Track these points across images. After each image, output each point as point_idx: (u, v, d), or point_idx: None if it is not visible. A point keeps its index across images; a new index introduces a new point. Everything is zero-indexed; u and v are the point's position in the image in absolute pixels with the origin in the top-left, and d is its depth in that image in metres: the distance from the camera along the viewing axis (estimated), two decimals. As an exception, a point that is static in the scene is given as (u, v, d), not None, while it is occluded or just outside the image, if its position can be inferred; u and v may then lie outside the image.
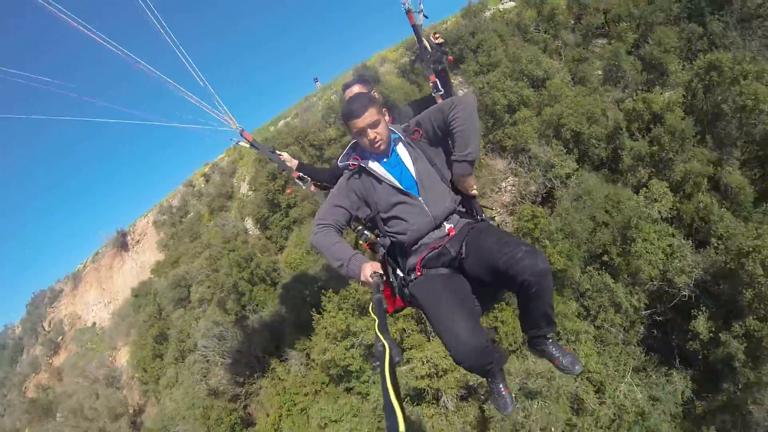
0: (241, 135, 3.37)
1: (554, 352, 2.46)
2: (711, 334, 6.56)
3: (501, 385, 2.53)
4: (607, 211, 7.50)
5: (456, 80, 13.08)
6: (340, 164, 2.75)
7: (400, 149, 2.64)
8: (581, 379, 6.93)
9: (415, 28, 3.19)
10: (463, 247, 2.44)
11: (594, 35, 10.64)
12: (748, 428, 6.47)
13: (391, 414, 1.16)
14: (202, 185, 20.55)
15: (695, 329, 6.63)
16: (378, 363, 1.44)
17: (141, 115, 3.19)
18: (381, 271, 2.37)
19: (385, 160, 2.62)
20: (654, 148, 8.04)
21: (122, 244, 28.40)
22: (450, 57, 3.36)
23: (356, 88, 3.24)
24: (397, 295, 2.70)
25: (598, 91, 9.62)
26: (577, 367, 2.42)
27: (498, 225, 2.67)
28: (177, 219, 20.52)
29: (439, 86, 3.05)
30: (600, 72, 9.92)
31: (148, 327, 15.80)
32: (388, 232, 2.59)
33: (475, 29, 12.89)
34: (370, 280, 2.29)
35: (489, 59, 11.46)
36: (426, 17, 3.18)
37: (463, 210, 2.65)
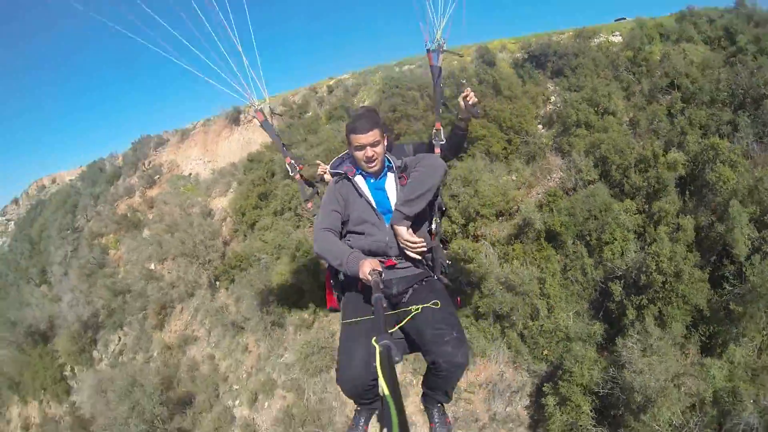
0: (255, 114, 3.73)
1: (435, 418, 2.89)
2: (623, 301, 11.48)
3: (362, 420, 2.87)
4: (600, 211, 12.39)
5: (550, 87, 17.62)
6: (331, 170, 3.27)
7: (390, 179, 3.12)
8: (542, 295, 12.12)
9: (433, 70, 3.43)
10: (406, 296, 2.93)
11: (660, 91, 14.85)
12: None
13: (388, 415, 1.23)
14: (325, 94, 25.21)
15: (615, 295, 11.57)
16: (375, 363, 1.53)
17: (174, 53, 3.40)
18: (380, 269, 2.62)
19: (372, 180, 3.11)
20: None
21: (234, 119, 32.87)
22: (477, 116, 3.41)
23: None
24: (334, 295, 3.27)
25: (641, 134, 14.15)
26: None
27: (447, 286, 3.10)
28: (296, 113, 25.33)
29: (442, 136, 3.34)
30: (648, 121, 14.31)
31: (256, 185, 21.79)
32: (347, 241, 3.04)
33: (579, 51, 17.21)
34: (369, 278, 2.51)
35: (578, 81, 16.05)
36: (460, 56, 4.01)
37: (423, 260, 3.08)
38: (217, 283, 20.53)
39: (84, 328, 24.10)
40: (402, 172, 3.07)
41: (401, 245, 2.94)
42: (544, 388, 10.66)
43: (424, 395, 2.98)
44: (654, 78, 15.24)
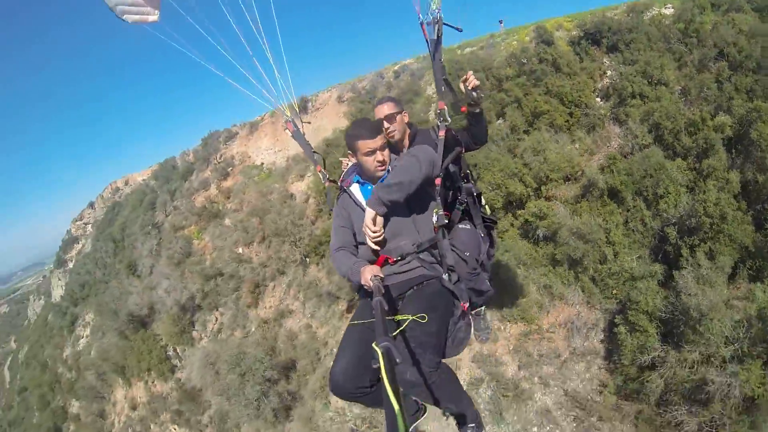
0: (286, 124, 3.90)
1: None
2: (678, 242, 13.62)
3: None
4: (655, 170, 14.56)
5: (606, 62, 19.56)
6: (339, 184, 3.46)
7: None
8: (608, 243, 14.41)
9: (429, 44, 3.16)
10: (401, 303, 2.99)
11: (709, 61, 16.66)
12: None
13: (391, 415, 1.29)
14: (392, 79, 27.53)
15: (671, 238, 13.77)
16: (377, 365, 1.60)
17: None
18: (381, 275, 2.76)
19: (369, 186, 3.19)
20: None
21: (302, 107, 34.76)
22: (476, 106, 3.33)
23: (386, 108, 3.54)
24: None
25: (691, 101, 16.13)
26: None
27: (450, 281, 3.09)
28: (365, 98, 27.74)
29: (447, 116, 3.21)
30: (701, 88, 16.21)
31: (335, 168, 24.49)
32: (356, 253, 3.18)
33: (632, 26, 19.10)
34: (370, 283, 2.66)
35: (632, 56, 18.06)
36: (459, 30, 3.13)
37: (425, 258, 3.11)
38: (308, 259, 23.44)
39: (182, 311, 27.39)
40: None
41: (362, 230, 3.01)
42: (615, 320, 13.07)
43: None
44: (704, 48, 17.07)
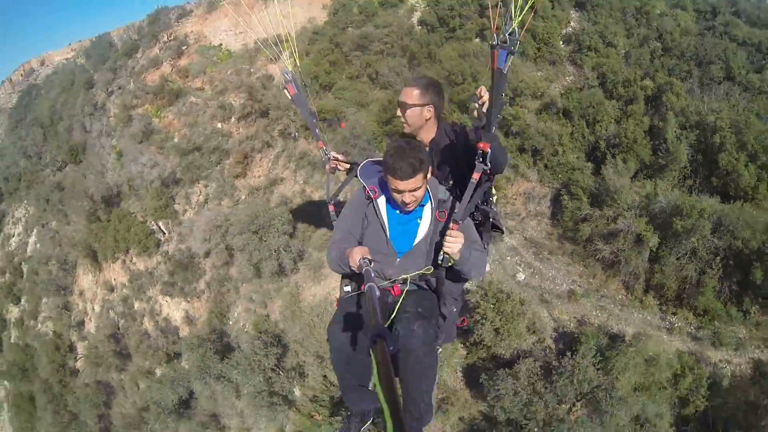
0: (285, 86, 3.95)
1: None
2: (605, 151, 21.94)
3: (353, 426, 3.20)
4: (597, 104, 22.60)
5: (573, 15, 27.01)
6: (360, 176, 3.57)
7: (425, 214, 3.33)
8: (560, 143, 22.41)
9: (496, 74, 2.90)
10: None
11: (650, 39, 24.93)
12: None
13: (384, 408, 1.34)
14: None
15: (600, 148, 22.09)
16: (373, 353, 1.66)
17: None
18: (369, 256, 2.87)
19: (398, 212, 3.32)
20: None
21: None
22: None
23: (407, 94, 3.49)
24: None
25: (630, 64, 24.36)
26: None
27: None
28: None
29: (488, 159, 3.11)
30: None
31: (325, 54, 28.90)
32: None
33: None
34: (359, 264, 2.81)
35: (595, 17, 25.78)
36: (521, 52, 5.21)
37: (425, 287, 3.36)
38: (296, 134, 26.98)
39: (163, 185, 29.45)
40: (442, 208, 3.29)
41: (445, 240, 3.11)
42: (561, 192, 21.02)
43: None
44: (649, 29, 25.27)
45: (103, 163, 36.10)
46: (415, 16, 30.33)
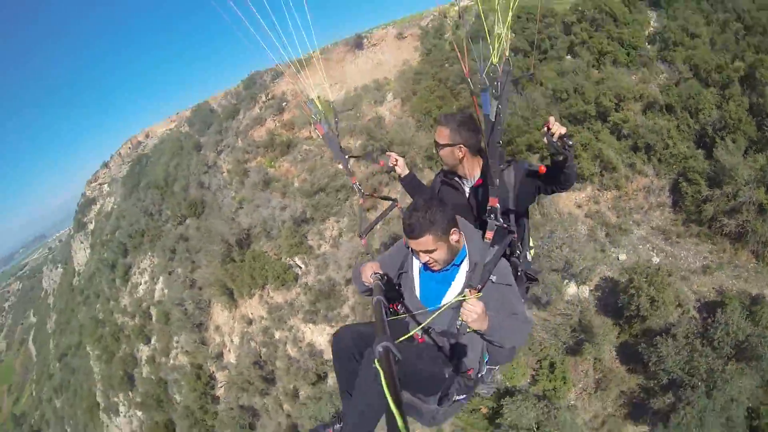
0: (315, 127, 4.12)
1: None
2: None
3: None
4: (695, 94, 25.54)
5: (651, 14, 30.36)
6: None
7: (458, 277, 3.28)
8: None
9: (485, 120, 2.93)
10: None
11: (731, 21, 27.78)
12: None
13: (391, 416, 1.42)
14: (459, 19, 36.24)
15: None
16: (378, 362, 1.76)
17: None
18: (381, 272, 3.06)
19: (429, 273, 3.32)
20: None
21: (357, 44, 42.68)
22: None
23: (439, 133, 3.71)
24: None
25: (716, 51, 27.23)
26: None
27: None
28: (433, 35, 36.65)
29: (498, 216, 3.16)
30: None
31: (432, 91, 33.11)
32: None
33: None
34: (371, 281, 2.99)
35: (674, 13, 28.92)
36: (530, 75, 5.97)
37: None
38: (421, 164, 30.62)
39: (295, 224, 32.69)
40: (476, 285, 3.06)
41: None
42: (678, 180, 24.03)
43: None
44: (726, 13, 28.12)
45: (228, 211, 41.02)
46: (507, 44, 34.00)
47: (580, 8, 30.81)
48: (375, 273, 3.05)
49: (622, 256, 23.00)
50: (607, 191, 25.34)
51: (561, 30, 30.91)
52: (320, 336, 31.12)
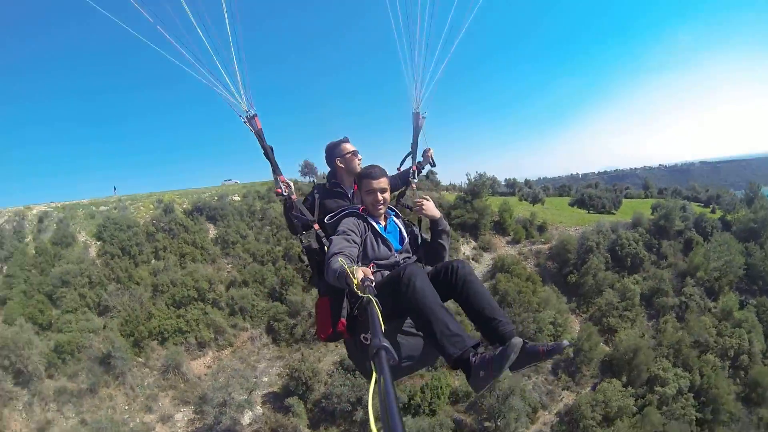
0: (251, 119, 4.42)
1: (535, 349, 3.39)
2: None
3: None
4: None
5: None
6: (329, 220, 4.33)
7: (397, 222, 4.53)
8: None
9: (416, 130, 5.22)
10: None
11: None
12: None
13: (386, 420, 1.39)
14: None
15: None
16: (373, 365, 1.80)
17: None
18: (372, 277, 3.14)
19: (381, 224, 4.35)
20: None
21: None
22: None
23: (350, 146, 5.13)
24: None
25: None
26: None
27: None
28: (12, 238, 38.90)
29: (416, 175, 5.28)
30: None
31: (29, 296, 34.67)
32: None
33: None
34: (362, 285, 3.03)
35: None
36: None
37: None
38: None
39: None
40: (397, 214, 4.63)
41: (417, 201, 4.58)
42: None
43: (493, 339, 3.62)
44: None
45: None
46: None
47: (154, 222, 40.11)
48: (366, 278, 3.09)
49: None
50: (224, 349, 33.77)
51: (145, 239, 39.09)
52: None
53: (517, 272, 38.31)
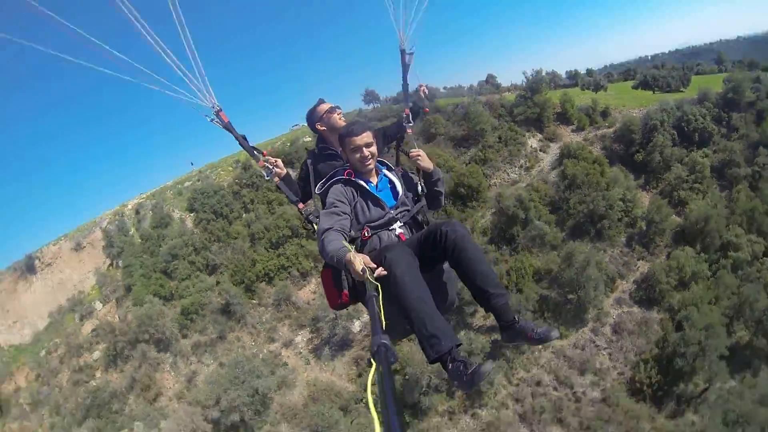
0: (217, 115, 4.20)
1: (527, 326, 3.51)
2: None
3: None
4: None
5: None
6: (319, 190, 4.29)
7: (391, 176, 4.35)
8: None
9: (405, 68, 4.93)
10: None
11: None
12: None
13: (386, 411, 1.42)
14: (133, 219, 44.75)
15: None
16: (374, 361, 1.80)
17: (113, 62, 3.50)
18: (373, 265, 3.10)
19: (372, 183, 4.20)
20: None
21: (29, 267, 42.55)
22: (426, 109, 5.27)
23: (325, 106, 4.92)
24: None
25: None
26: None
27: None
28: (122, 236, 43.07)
29: (411, 119, 4.94)
30: None
31: (148, 277, 39.61)
32: (357, 235, 3.98)
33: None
34: (362, 275, 2.97)
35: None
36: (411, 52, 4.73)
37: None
38: None
39: None
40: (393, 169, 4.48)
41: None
42: None
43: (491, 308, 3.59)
44: None
45: None
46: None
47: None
48: (366, 266, 3.05)
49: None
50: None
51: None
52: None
53: (584, 156, 39.55)
